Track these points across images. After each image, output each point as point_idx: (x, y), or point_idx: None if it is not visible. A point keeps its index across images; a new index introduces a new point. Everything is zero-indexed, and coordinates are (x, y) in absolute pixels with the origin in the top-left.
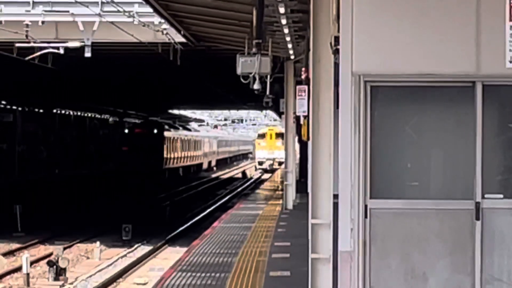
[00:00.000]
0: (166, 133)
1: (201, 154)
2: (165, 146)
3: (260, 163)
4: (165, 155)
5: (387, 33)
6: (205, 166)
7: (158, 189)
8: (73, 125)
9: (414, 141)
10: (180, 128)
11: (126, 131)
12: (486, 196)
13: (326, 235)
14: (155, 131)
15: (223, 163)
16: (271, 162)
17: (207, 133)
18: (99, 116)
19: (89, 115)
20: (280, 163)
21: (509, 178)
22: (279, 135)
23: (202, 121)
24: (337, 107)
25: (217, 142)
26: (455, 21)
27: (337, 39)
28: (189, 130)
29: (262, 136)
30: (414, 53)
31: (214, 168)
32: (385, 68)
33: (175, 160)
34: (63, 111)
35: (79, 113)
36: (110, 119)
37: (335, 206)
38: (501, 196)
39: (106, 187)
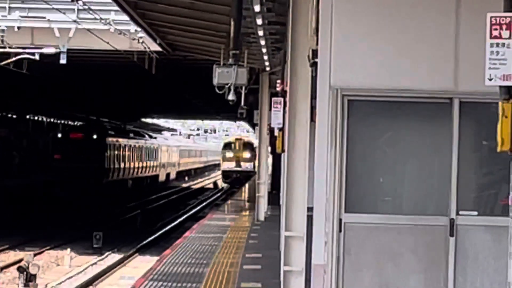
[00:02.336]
0: (109, 139)
1: (156, 164)
2: (107, 154)
3: (226, 177)
4: (106, 165)
5: (366, 48)
6: (161, 178)
7: (94, 206)
8: (47, 131)
9: (390, 156)
10: (132, 134)
11: (60, 135)
12: (460, 212)
13: (299, 247)
14: (95, 136)
15: (187, 175)
16: (238, 175)
17: (165, 141)
18: (72, 123)
19: (63, 121)
20: (248, 177)
21: (483, 195)
22: (247, 146)
23: (175, 130)
24: (312, 120)
25: (178, 152)
26: (434, 37)
27: (315, 52)
28: (143, 136)
29: (228, 146)
30: (392, 68)
31: (183, 178)
32: (363, 83)
33: (122, 171)
34: (36, 117)
35: (52, 120)
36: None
37: (309, 219)
38: (476, 213)
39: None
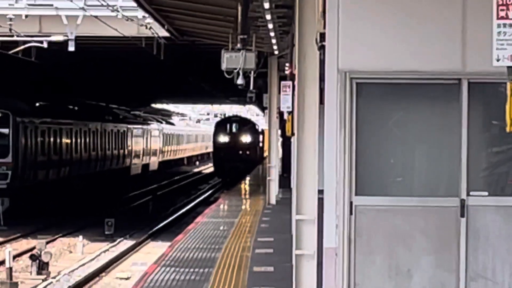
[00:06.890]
0: (28, 120)
1: (125, 153)
2: (21, 143)
3: (219, 168)
4: (21, 161)
5: (373, 30)
6: (135, 171)
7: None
8: None
9: (399, 138)
10: (80, 113)
11: None
12: (471, 193)
13: (310, 231)
14: None
15: (176, 165)
16: (236, 164)
17: (143, 122)
18: None
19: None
20: (249, 167)
21: (494, 175)
22: (248, 127)
23: (185, 115)
24: (321, 103)
25: (161, 136)
26: (441, 19)
27: (322, 35)
28: (100, 116)
29: (221, 127)
30: (400, 50)
31: (171, 167)
32: (371, 65)
33: (56, 168)
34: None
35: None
36: None
37: (320, 201)
38: (486, 193)
39: None
